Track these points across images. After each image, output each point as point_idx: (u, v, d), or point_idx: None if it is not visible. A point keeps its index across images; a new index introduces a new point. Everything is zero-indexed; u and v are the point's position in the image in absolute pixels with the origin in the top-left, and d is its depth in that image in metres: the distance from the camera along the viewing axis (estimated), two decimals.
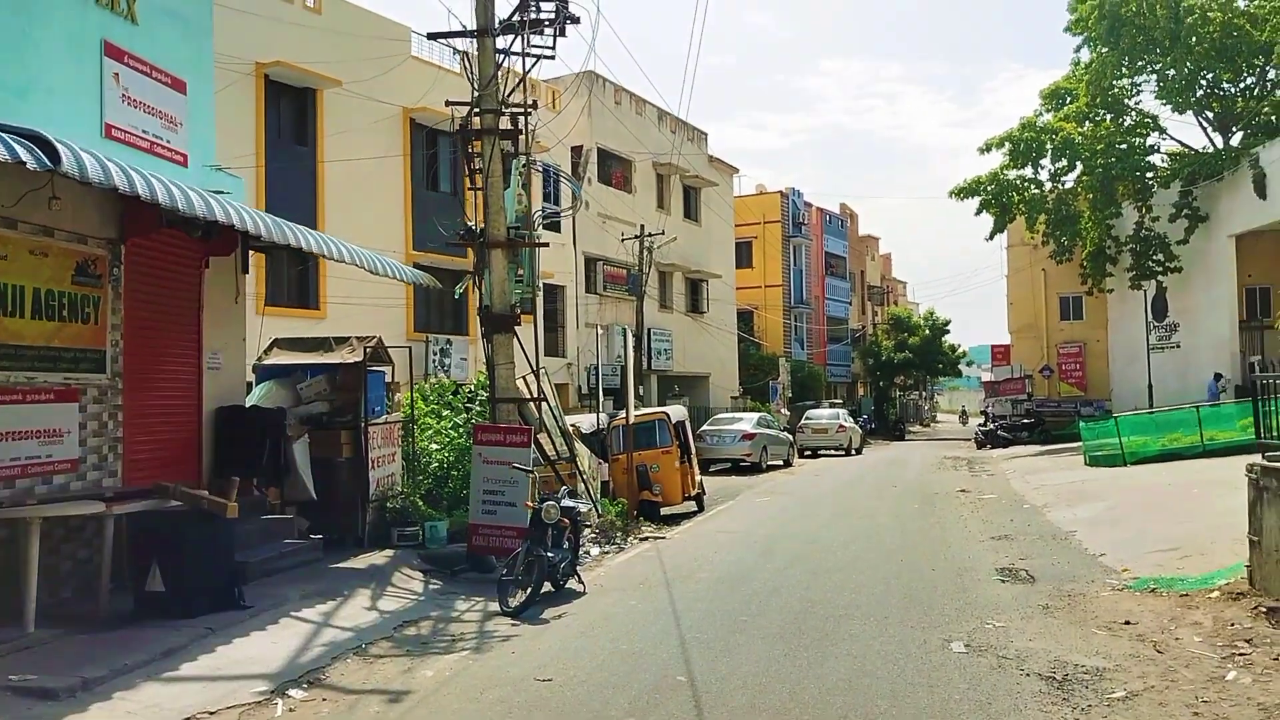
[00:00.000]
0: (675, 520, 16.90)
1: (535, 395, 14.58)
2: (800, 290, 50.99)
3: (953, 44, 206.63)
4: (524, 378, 14.78)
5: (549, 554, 9.09)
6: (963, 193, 38.99)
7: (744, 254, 49.07)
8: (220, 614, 7.96)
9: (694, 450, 18.48)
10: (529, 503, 9.26)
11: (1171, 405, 32.08)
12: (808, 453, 35.61)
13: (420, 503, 11.59)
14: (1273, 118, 35.21)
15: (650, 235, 29.53)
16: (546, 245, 12.23)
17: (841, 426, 36.09)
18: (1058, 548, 12.50)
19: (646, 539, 14.10)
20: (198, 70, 11.16)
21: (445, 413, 14.93)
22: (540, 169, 24.58)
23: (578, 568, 9.99)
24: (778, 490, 22.32)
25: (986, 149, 38.23)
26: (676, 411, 18.22)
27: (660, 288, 34.64)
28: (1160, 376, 37.55)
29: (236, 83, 20.34)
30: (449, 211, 25.03)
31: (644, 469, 16.60)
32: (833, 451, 35.97)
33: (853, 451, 36.37)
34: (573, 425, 17.38)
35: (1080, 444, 33.41)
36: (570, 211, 15.73)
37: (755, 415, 30.25)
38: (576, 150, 30.37)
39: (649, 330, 32.85)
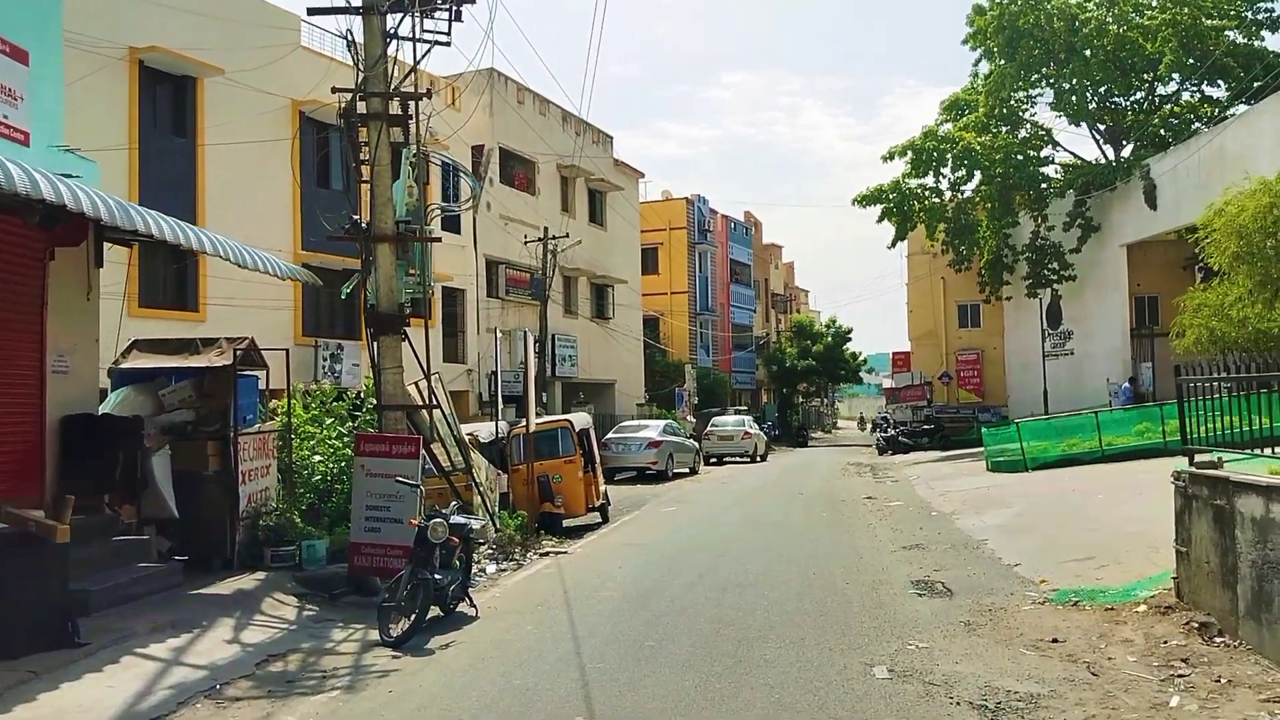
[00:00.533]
0: (579, 533, 16.13)
1: (427, 402, 13.67)
2: (706, 297, 50.77)
3: (851, 59, 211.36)
4: (416, 384, 13.85)
5: (436, 576, 8.26)
6: (865, 200, 39.18)
7: (650, 260, 48.60)
8: (49, 654, 6.90)
9: (599, 459, 17.76)
10: (414, 519, 8.40)
11: (1067, 411, 32.69)
12: (713, 460, 35.21)
13: (298, 519, 10.57)
14: (1161, 130, 36.23)
15: (554, 238, 28.73)
16: (438, 240, 11.38)
17: (747, 433, 35.81)
18: (971, 557, 12.14)
19: (548, 554, 13.30)
20: (43, 40, 10.01)
21: (329, 421, 13.89)
22: (439, 163, 23.62)
23: (470, 589, 9.15)
24: (684, 499, 21.74)
25: (890, 157, 38.51)
26: (580, 419, 17.47)
27: (565, 293, 33.85)
28: (1055, 383, 38.32)
29: (109, 68, 18.93)
30: (340, 209, 23.79)
31: (545, 480, 15.79)
32: (738, 458, 35.65)
33: (758, 458, 36.11)
34: (470, 434, 16.48)
35: (981, 449, 33.79)
36: (468, 207, 14.87)
37: (661, 423, 29.68)
38: (478, 149, 29.42)
39: (553, 336, 32.02)
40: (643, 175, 41.35)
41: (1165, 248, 40.08)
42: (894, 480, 25.92)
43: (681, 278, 48.86)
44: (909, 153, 38.06)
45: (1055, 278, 37.53)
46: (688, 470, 29.57)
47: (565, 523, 16.34)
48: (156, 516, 9.82)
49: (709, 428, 36.33)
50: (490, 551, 12.94)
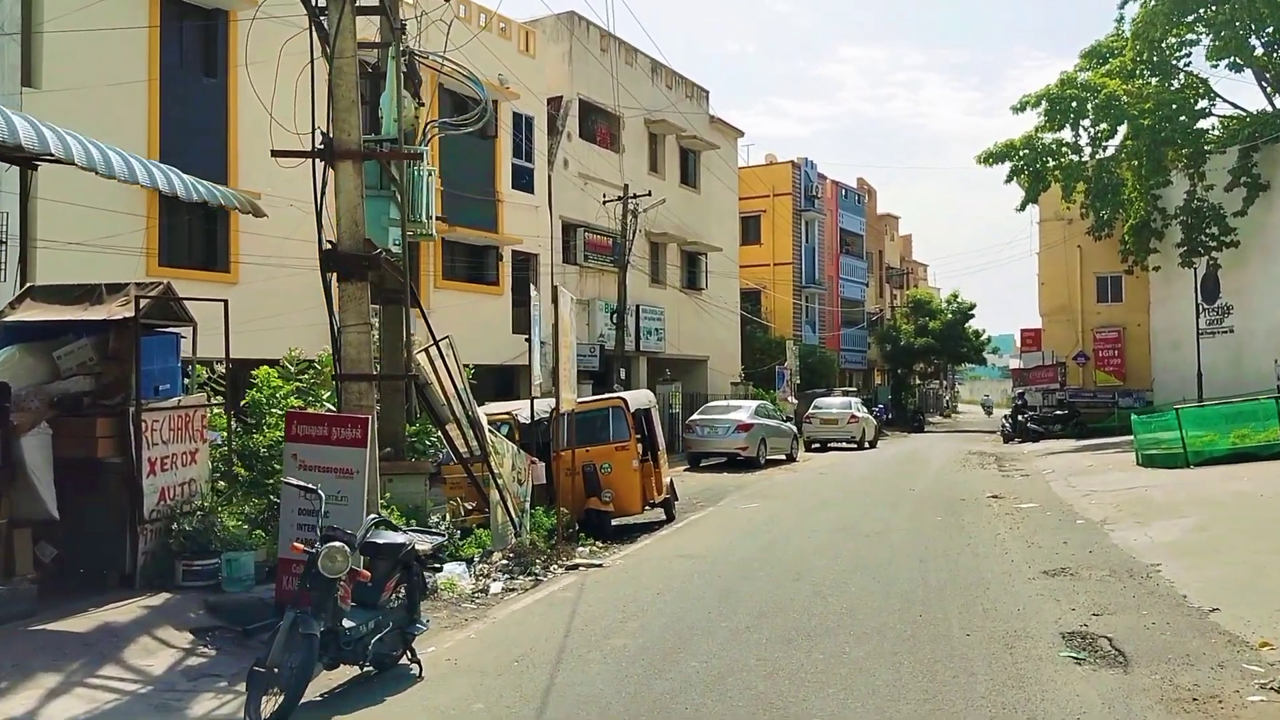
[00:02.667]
0: (630, 535, 13.34)
1: (437, 371, 11.05)
2: (812, 269, 47.18)
3: (974, 31, 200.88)
4: (426, 350, 11.27)
5: (346, 622, 5.58)
6: (991, 158, 35.13)
7: (751, 229, 45.33)
8: None
9: (662, 445, 14.89)
10: (297, 544, 5.70)
11: (1236, 397, 28.32)
12: (815, 446, 32.02)
13: (231, 522, 8.05)
14: None
15: (635, 196, 25.85)
16: (417, 157, 8.68)
17: (854, 417, 32.39)
18: (1142, 593, 8.84)
19: (577, 567, 10.53)
20: None
21: (325, 395, 11.39)
22: (462, 79, 20.95)
23: (413, 634, 6.40)
24: (772, 493, 18.71)
25: (1020, 108, 34.32)
26: (637, 398, 14.59)
27: (652, 260, 30.97)
28: (1210, 365, 33.61)
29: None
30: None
31: (591, 470, 13.02)
32: (843, 444, 32.34)
33: (865, 444, 32.70)
34: (508, 413, 13.85)
35: (1124, 440, 29.66)
36: (472, 127, 11.97)
37: (754, 403, 26.62)
38: (554, 102, 26.75)
39: (637, 307, 29.22)
40: (742, 134, 38.06)
41: None
42: (1024, 474, 22.31)
43: (786, 248, 45.42)
44: (1043, 103, 33.79)
45: (1214, 244, 32.84)
46: (784, 457, 26.49)
47: (616, 521, 13.58)
48: (33, 516, 7.42)
49: (810, 410, 33.06)
50: (506, 563, 10.25)
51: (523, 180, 24.90)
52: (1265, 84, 34.42)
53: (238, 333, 16.15)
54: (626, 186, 25.97)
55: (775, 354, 39.62)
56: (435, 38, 21.51)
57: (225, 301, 8.75)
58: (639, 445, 13.68)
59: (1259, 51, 33.81)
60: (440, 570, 7.97)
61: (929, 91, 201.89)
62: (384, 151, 8.58)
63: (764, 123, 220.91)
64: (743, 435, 24.25)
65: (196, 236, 18.16)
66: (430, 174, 10.11)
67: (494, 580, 9.50)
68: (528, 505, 11.86)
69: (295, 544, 5.65)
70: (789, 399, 36.37)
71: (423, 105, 11.08)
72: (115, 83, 15.98)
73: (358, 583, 5.75)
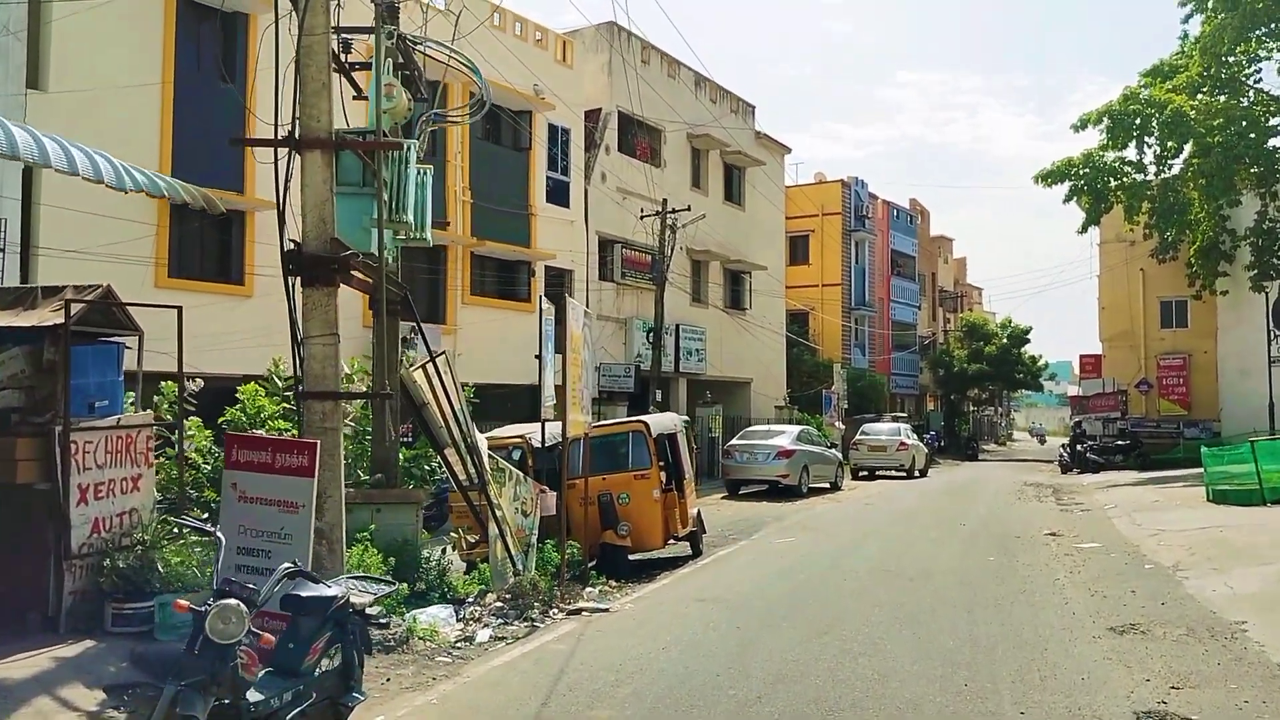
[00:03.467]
0: (650, 571, 12.28)
1: (434, 390, 10.12)
2: (862, 291, 45.80)
3: (1034, 55, 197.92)
4: (424, 366, 10.35)
5: (252, 696, 4.58)
6: (1050, 177, 33.56)
7: (799, 249, 44.18)
8: None
9: (689, 474, 13.80)
10: (181, 602, 4.70)
11: None
12: (863, 473, 30.68)
13: (176, 559, 7.10)
14: None
15: (674, 211, 24.88)
16: (397, 145, 7.74)
17: (903, 444, 30.98)
18: (1229, 660, 7.56)
19: (580, 611, 9.47)
20: None
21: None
22: (463, 68, 20.25)
23: (349, 705, 5.38)
24: (811, 525, 17.51)
25: (1081, 125, 32.77)
26: (660, 421, 13.53)
27: (693, 279, 29.95)
28: None
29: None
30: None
31: (608, 500, 11.98)
32: (892, 473, 30.94)
33: (915, 473, 31.26)
34: (519, 437, 12.87)
35: (1190, 472, 27.93)
36: (469, 118, 10.99)
37: (796, 429, 25.41)
38: (593, 115, 25.92)
39: (677, 326, 28.20)
40: (789, 150, 36.95)
41: None
42: (1084, 509, 20.82)
43: (835, 268, 44.12)
44: (1105, 120, 32.21)
45: None
46: (828, 485, 25.23)
47: (635, 557, 12.52)
48: None
49: (858, 436, 31.71)
50: (501, 605, 9.23)
51: (558, 194, 24.08)
52: None
53: (251, 348, 15.50)
54: (665, 201, 25.00)
55: (822, 377, 38.28)
56: (475, 39, 20.86)
57: (179, 308, 7.86)
58: (661, 473, 12.62)
59: None
60: (386, 626, 6.95)
61: (988, 115, 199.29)
62: (358, 141, 7.67)
63: (820, 145, 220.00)
64: (784, 462, 23.06)
65: (210, 246, 17.50)
66: (426, 173, 9.19)
67: (483, 626, 8.50)
68: (534, 539, 10.85)
69: (179, 601, 4.67)
70: (836, 424, 35.03)
71: (424, 99, 10.19)
72: (127, 85, 15.41)
73: (279, 646, 4.77)
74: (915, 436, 33.57)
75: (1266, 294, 32.07)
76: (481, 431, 14.49)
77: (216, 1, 16.51)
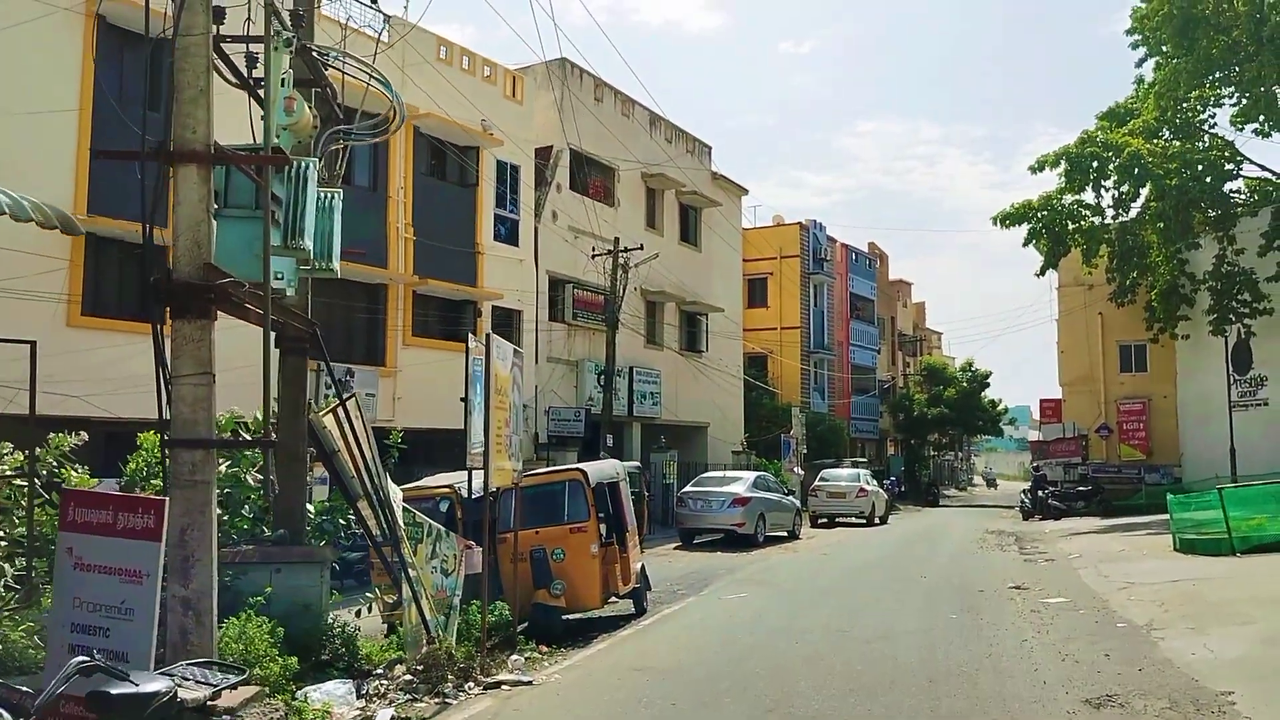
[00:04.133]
0: (588, 633, 11.29)
1: (345, 435, 9.17)
2: (821, 334, 45.35)
3: (991, 107, 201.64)
4: (334, 410, 9.37)
5: None
6: (1009, 219, 33.35)
7: (758, 291, 43.74)
8: None
9: (632, 526, 12.88)
10: None
11: (1260, 475, 26.10)
12: (822, 521, 29.88)
13: (16, 634, 5.99)
14: None
15: (626, 250, 24.15)
16: (285, 161, 6.83)
17: (862, 490, 30.23)
18: None
19: (500, 685, 8.47)
20: None
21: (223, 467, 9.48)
22: (368, 80, 19.52)
23: None
24: (765, 578, 16.61)
25: (1039, 168, 32.56)
26: (601, 470, 12.58)
27: (648, 320, 29.20)
28: (1244, 439, 31.35)
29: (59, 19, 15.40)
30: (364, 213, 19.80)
31: (540, 556, 11.00)
32: (852, 519, 30.14)
33: (875, 520, 30.49)
34: (448, 487, 11.89)
35: (1150, 519, 27.41)
36: (380, 136, 10.09)
37: (752, 475, 24.56)
38: (543, 152, 25.22)
39: (631, 369, 27.37)
40: (746, 192, 36.48)
41: None
42: (1048, 559, 20.10)
43: (794, 311, 43.63)
44: (1062, 162, 32.08)
45: (1246, 311, 30.82)
46: (785, 534, 24.38)
47: (573, 617, 11.53)
48: None
49: (817, 482, 30.93)
50: (410, 679, 8.22)
51: (506, 232, 23.28)
52: None
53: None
54: (617, 239, 24.27)
55: (781, 422, 37.58)
56: (420, 72, 20.08)
57: (33, 343, 6.87)
58: (601, 526, 11.67)
59: None
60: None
61: (945, 165, 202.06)
62: (240, 155, 6.77)
63: (781, 193, 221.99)
64: (739, 510, 22.19)
65: (129, 283, 16.41)
66: (334, 197, 8.31)
67: (386, 704, 7.48)
68: (457, 600, 9.85)
69: None
70: (795, 470, 34.30)
71: (339, 120, 9.32)
72: (38, 111, 14.41)
73: None
74: (875, 482, 32.87)
75: (1226, 338, 31.92)
76: (416, 479, 13.54)
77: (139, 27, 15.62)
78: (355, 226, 19.45)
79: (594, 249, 25.01)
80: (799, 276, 43.95)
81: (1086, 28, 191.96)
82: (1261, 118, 32.18)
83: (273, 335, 8.18)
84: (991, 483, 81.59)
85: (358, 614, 9.96)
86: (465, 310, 21.87)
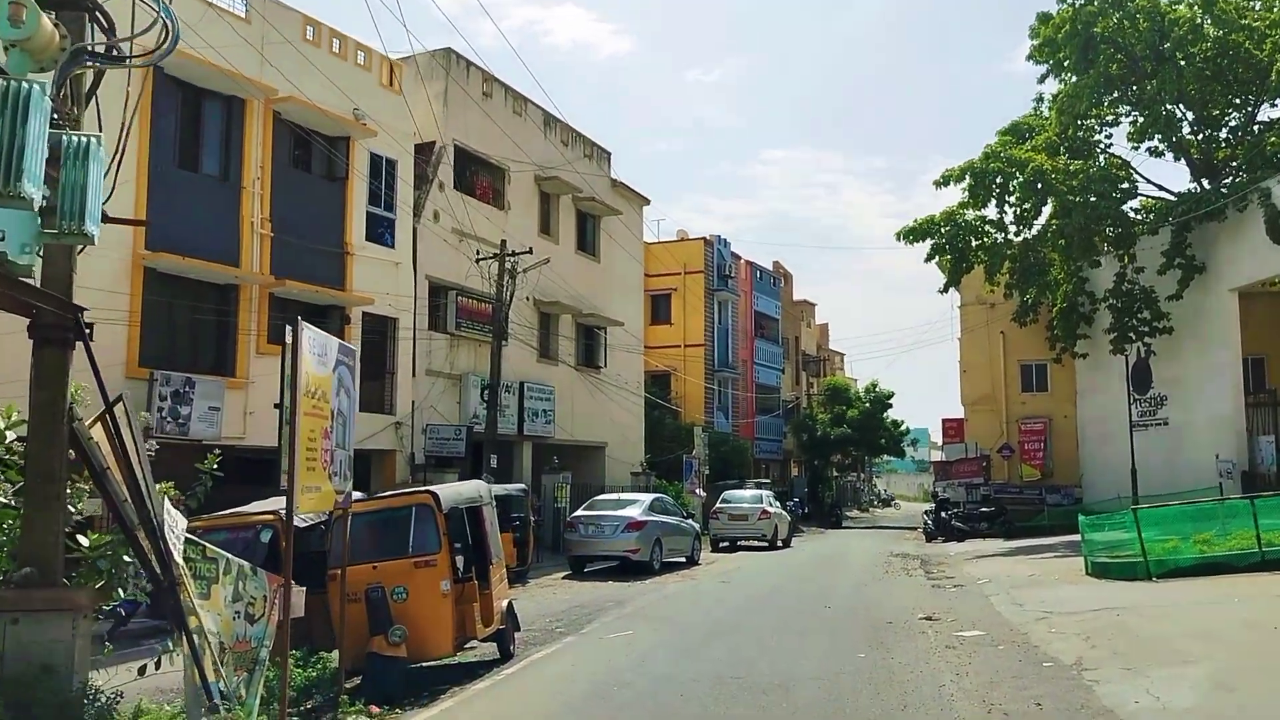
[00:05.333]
0: (441, 684, 9.50)
1: (115, 445, 7.26)
2: (726, 352, 44.24)
3: (890, 139, 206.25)
4: (102, 418, 7.44)
5: None
6: (912, 234, 32.72)
7: (661, 307, 42.48)
8: None
9: (497, 557, 11.12)
10: None
11: (1159, 494, 25.67)
12: (724, 544, 28.49)
13: None
14: (1276, 156, 29.47)
15: (515, 254, 22.40)
16: None
17: (765, 512, 28.95)
18: None
19: None
20: None
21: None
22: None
23: None
24: (657, 612, 15.00)
25: (944, 182, 32.01)
26: (457, 492, 10.75)
27: (541, 332, 27.46)
28: (1144, 459, 31.05)
29: None
30: (209, 192, 17.76)
31: (378, 596, 9.15)
32: (754, 543, 28.82)
33: (778, 543, 29.25)
34: (271, 514, 9.96)
35: (1054, 540, 26.75)
36: (150, 60, 8.18)
37: (649, 498, 22.98)
38: (425, 148, 23.36)
39: (522, 384, 25.59)
40: (648, 202, 35.12)
41: (1273, 300, 33.20)
42: (956, 584, 18.98)
43: (698, 329, 42.43)
44: (966, 177, 31.55)
45: (1146, 330, 30.58)
46: (684, 560, 22.86)
47: (430, 664, 9.72)
48: None
49: (718, 504, 29.55)
50: None
51: (380, 232, 21.35)
52: (1192, 164, 32.88)
53: None
54: (504, 242, 22.50)
55: (684, 442, 36.20)
56: (282, 53, 18.10)
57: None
58: (456, 559, 9.88)
59: (1186, 132, 32.33)
60: None
61: (848, 194, 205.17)
62: None
63: (691, 218, 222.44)
64: (633, 535, 20.57)
65: None
66: (85, 143, 6.44)
67: None
68: (265, 654, 7.94)
69: None
70: (697, 491, 32.91)
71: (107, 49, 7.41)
72: None
73: None
74: (778, 504, 31.66)
75: (1126, 357, 31.66)
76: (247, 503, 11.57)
77: None
78: (200, 219, 17.42)
79: (479, 252, 23.19)
80: (704, 293, 42.81)
81: (984, 65, 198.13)
82: (1158, 136, 32.29)
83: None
84: (889, 503, 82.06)
85: (141, 671, 7.99)
86: (331, 316, 19.81)
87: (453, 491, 10.57)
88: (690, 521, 24.71)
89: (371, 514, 9.70)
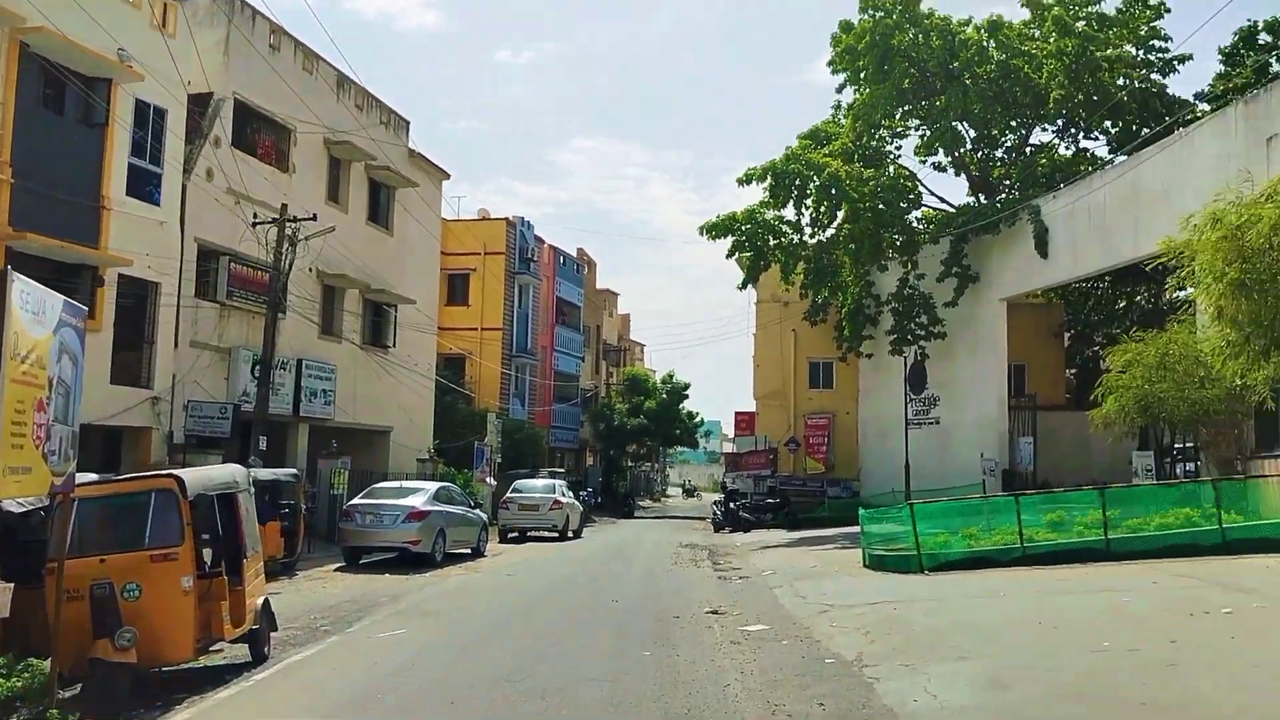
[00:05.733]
0: (175, 695, 8.35)
1: None
2: (525, 337, 43.44)
3: (696, 137, 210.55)
4: None
5: None
6: (714, 230, 33.03)
7: (459, 288, 41.23)
8: None
9: (253, 550, 9.99)
10: None
11: (929, 489, 27.00)
12: (513, 535, 27.77)
13: None
14: (1044, 177, 31.57)
15: (296, 220, 20.79)
16: None
17: (557, 502, 28.43)
18: None
19: None
20: None
21: None
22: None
23: None
24: (436, 607, 14.15)
25: (746, 180, 32.43)
26: (206, 478, 9.51)
27: (325, 306, 25.77)
28: (917, 455, 32.64)
29: None
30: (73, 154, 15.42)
31: (104, 593, 7.91)
32: (545, 533, 28.24)
33: (569, 534, 28.81)
34: None
35: (834, 531, 27.62)
36: None
37: (434, 486, 21.94)
38: (201, 100, 21.32)
39: (300, 361, 23.92)
40: (448, 176, 33.75)
41: (1034, 311, 35.76)
42: (742, 576, 19.10)
43: (496, 312, 41.45)
44: (768, 176, 32.12)
45: (923, 334, 32.20)
46: (469, 551, 22.01)
47: (167, 669, 8.54)
48: None
49: (509, 494, 28.77)
50: None
51: (144, 187, 19.28)
52: (973, 177, 34.84)
53: None
54: (285, 207, 20.84)
55: (477, 428, 35.18)
56: None
57: None
58: (198, 552, 8.73)
59: (967, 148, 34.18)
60: None
61: (654, 188, 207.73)
62: None
63: (496, 201, 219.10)
64: (415, 525, 19.53)
65: None
66: None
67: None
68: None
69: None
70: (487, 480, 32.02)
71: None
72: None
73: None
74: (571, 494, 31.24)
75: (905, 358, 33.17)
76: None
77: None
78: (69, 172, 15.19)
79: (256, 216, 21.39)
80: (504, 276, 41.86)
81: (788, 73, 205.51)
82: (942, 150, 33.98)
83: None
84: (692, 492, 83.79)
85: None
86: (82, 277, 17.64)
87: (201, 476, 9.37)
88: (478, 511, 23.87)
89: (103, 499, 8.46)
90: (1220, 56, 31.05)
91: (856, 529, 20.37)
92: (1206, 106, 29.05)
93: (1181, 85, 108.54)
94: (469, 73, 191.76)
